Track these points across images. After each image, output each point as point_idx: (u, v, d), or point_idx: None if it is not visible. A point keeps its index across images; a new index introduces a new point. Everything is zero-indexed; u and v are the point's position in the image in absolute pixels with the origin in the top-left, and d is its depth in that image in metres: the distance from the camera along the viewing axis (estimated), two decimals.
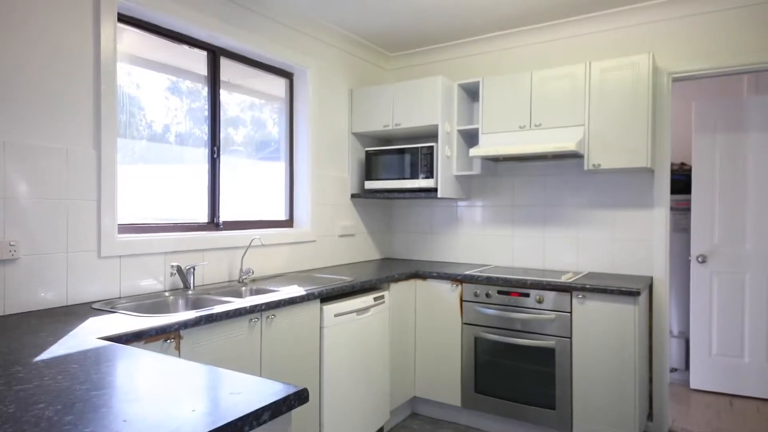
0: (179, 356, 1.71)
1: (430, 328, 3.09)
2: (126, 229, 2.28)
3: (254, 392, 1.01)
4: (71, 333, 1.52)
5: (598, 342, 2.57)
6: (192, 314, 1.76)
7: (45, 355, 1.28)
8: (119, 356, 1.27)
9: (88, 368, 1.17)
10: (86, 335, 1.49)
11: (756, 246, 3.46)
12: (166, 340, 1.66)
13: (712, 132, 3.60)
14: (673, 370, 3.97)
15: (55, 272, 1.94)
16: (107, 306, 1.95)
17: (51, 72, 1.93)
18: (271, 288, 2.45)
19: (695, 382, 3.63)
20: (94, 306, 1.94)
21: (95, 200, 2.07)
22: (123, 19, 2.28)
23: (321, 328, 2.37)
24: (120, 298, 2.13)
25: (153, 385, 1.06)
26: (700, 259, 3.61)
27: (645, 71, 2.71)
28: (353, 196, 3.56)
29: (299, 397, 1.03)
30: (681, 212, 3.99)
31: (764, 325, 3.44)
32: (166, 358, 1.25)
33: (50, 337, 1.48)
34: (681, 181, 3.99)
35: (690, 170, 3.96)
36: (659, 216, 2.94)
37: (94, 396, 0.99)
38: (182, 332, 1.72)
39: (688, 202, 3.92)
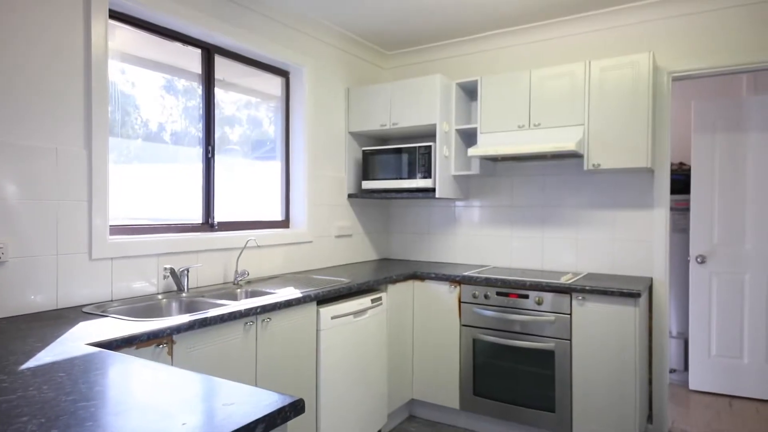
0: (172, 362, 1.66)
1: (428, 329, 3.05)
2: (118, 230, 2.23)
3: (248, 403, 0.97)
4: (60, 339, 1.47)
5: (598, 344, 2.54)
6: (185, 318, 1.72)
7: (31, 363, 1.23)
8: (108, 364, 1.23)
9: (76, 377, 1.12)
10: (75, 341, 1.45)
11: (755, 246, 3.44)
12: (158, 346, 1.62)
13: (712, 132, 3.57)
14: (671, 371, 3.95)
15: (44, 275, 1.89)
16: (98, 309, 1.90)
17: (40, 70, 1.88)
18: (267, 290, 2.41)
19: (694, 383, 3.61)
20: (85, 310, 1.89)
21: (86, 201, 2.02)
22: (115, 15, 2.23)
23: (317, 331, 2.33)
24: (112, 301, 2.09)
25: (143, 396, 1.02)
26: (699, 259, 3.58)
27: (645, 70, 2.68)
28: (350, 196, 3.52)
29: (295, 408, 0.99)
30: (680, 212, 3.97)
31: (764, 325, 3.43)
32: (158, 366, 1.21)
33: (38, 342, 1.43)
34: (680, 181, 3.97)
35: (689, 170, 3.94)
36: (659, 216, 2.91)
37: (80, 408, 0.95)
38: (175, 337, 1.67)
39: (687, 202, 3.90)
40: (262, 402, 0.98)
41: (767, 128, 3.44)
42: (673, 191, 3.91)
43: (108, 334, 1.52)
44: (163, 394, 1.02)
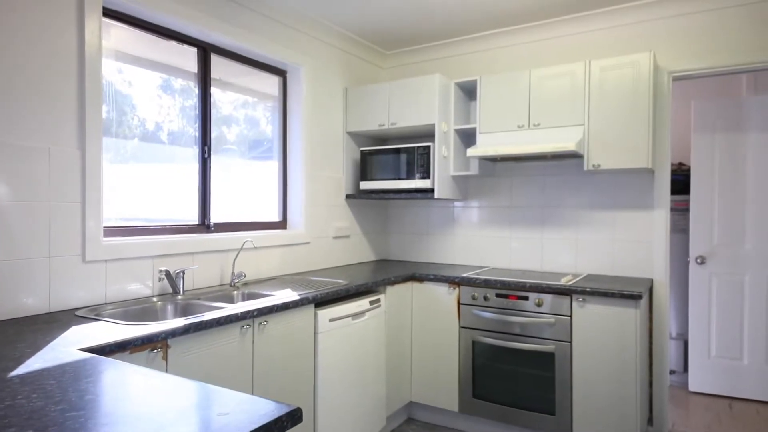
0: (167, 367, 1.63)
1: (426, 331, 3.02)
2: (112, 231, 2.20)
3: (244, 412, 0.94)
4: (51, 344, 1.44)
5: (599, 346, 2.52)
6: (180, 322, 1.69)
7: (21, 370, 1.20)
8: (100, 370, 1.19)
9: (66, 385, 1.09)
10: (67, 346, 1.41)
11: (755, 246, 3.43)
12: (152, 350, 1.58)
13: (711, 132, 3.56)
14: (671, 372, 3.94)
15: (37, 278, 1.85)
16: (92, 313, 1.87)
17: (32, 67, 1.84)
18: (264, 292, 2.38)
19: (694, 385, 3.59)
20: (78, 313, 1.86)
21: (79, 202, 1.99)
22: (110, 14, 2.19)
23: (315, 333, 2.30)
24: (106, 304, 2.05)
25: (135, 405, 0.98)
26: (698, 260, 3.57)
27: (646, 70, 2.65)
28: (348, 196, 3.49)
29: (292, 418, 0.96)
30: (679, 213, 3.95)
31: (764, 326, 3.41)
32: (151, 372, 1.17)
33: (29, 348, 1.40)
34: (679, 182, 3.95)
35: (688, 170, 3.92)
36: (659, 217, 2.89)
37: (69, 419, 0.91)
38: (170, 341, 1.64)
39: (687, 202, 3.88)
40: (259, 411, 0.95)
41: (767, 128, 3.42)
42: (672, 191, 3.89)
43: (101, 338, 1.49)
44: (156, 402, 0.99)
